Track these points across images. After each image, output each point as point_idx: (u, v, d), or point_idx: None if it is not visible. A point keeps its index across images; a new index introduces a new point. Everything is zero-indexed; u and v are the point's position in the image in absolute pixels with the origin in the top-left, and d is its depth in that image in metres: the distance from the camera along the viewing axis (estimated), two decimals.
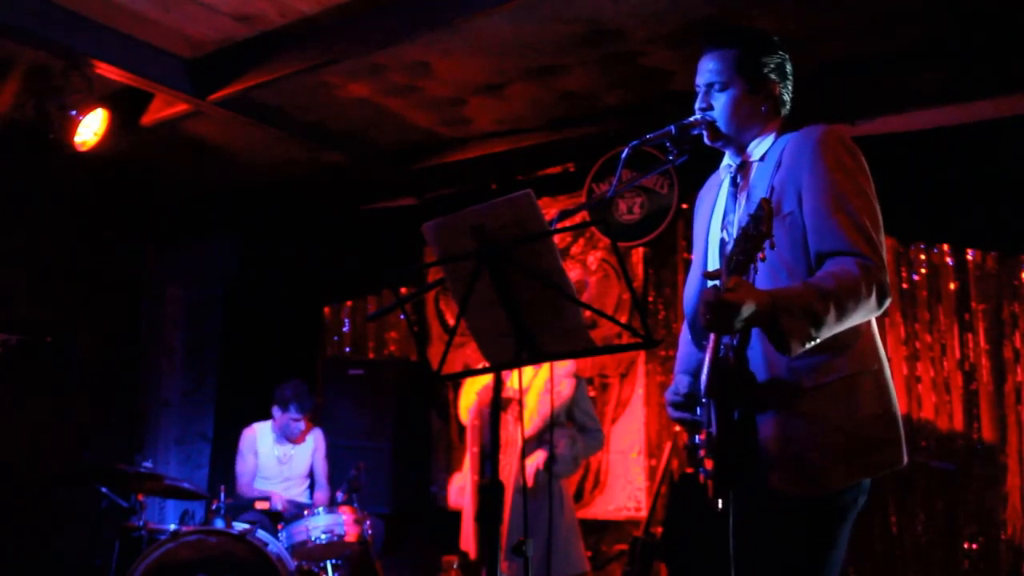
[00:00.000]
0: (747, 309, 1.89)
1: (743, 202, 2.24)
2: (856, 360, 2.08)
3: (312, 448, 5.42)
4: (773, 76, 2.27)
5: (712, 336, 2.09)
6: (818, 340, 1.94)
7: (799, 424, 2.04)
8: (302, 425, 5.30)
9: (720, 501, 2.09)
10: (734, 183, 2.30)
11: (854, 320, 2.00)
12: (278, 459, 5.35)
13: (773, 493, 2.05)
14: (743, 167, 2.29)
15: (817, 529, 2.06)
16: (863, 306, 1.98)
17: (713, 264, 2.30)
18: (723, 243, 2.26)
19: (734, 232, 2.21)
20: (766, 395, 2.08)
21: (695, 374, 2.30)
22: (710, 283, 2.03)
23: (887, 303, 2.04)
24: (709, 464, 2.10)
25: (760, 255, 1.89)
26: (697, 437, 2.21)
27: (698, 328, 2.32)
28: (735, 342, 2.13)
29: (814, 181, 2.09)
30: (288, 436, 5.32)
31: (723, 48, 2.26)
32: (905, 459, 2.09)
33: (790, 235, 2.09)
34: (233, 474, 5.41)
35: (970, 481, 4.27)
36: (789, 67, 2.32)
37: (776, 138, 2.25)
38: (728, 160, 2.35)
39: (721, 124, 2.24)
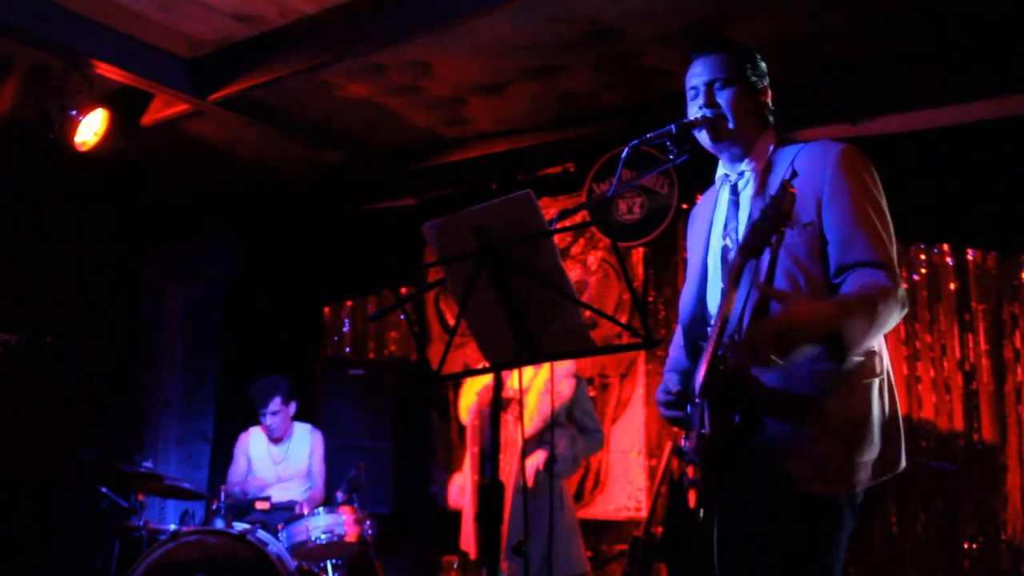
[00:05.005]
0: (808, 329, 1.88)
1: (754, 206, 2.23)
2: (870, 367, 2.11)
3: (308, 450, 5.41)
4: (765, 82, 2.32)
5: (713, 336, 2.09)
6: (864, 348, 1.99)
7: (817, 426, 2.06)
8: (274, 421, 5.25)
9: (702, 511, 2.10)
10: (733, 191, 2.30)
11: (886, 330, 2.05)
12: (272, 460, 5.35)
13: (780, 492, 2.06)
14: (743, 174, 2.29)
15: (828, 525, 2.08)
16: (894, 317, 2.04)
17: (714, 272, 2.29)
18: (725, 250, 2.26)
19: (739, 237, 2.21)
20: (780, 399, 2.09)
21: (685, 373, 2.31)
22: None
23: (904, 312, 2.10)
24: (692, 472, 2.10)
25: (778, 237, 1.87)
26: (684, 443, 2.21)
27: (694, 333, 2.32)
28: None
29: (838, 195, 2.12)
30: (269, 435, 5.31)
31: (720, 52, 2.29)
32: (903, 464, 2.14)
33: (808, 244, 2.12)
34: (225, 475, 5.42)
35: (970, 481, 4.27)
36: (769, 79, 2.37)
37: (775, 147, 2.26)
38: (724, 169, 2.35)
39: (728, 120, 2.24)
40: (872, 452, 2.08)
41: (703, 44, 2.32)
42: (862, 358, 2.09)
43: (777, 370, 2.09)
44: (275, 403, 5.23)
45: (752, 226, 1.90)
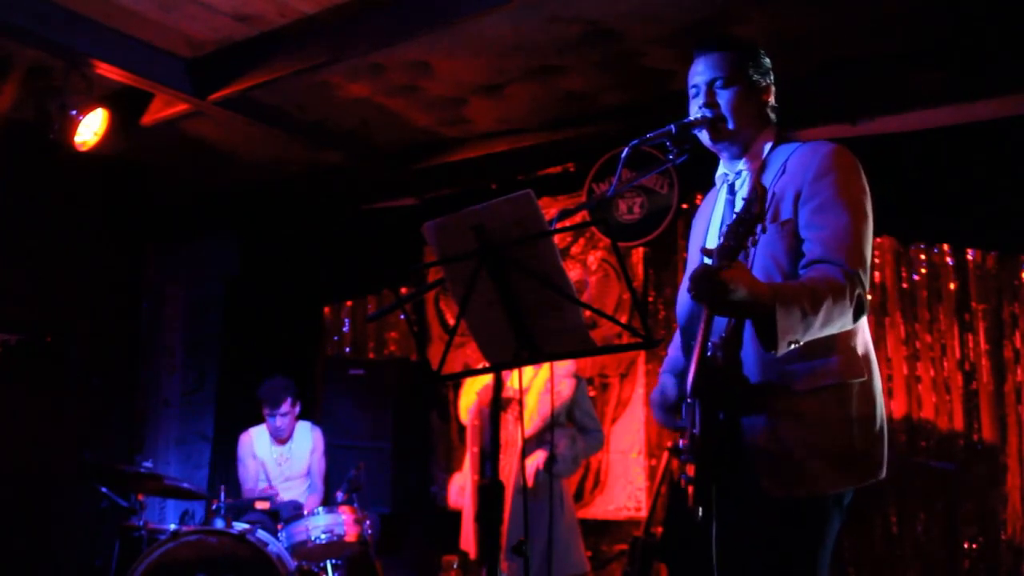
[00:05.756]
0: (740, 291, 1.86)
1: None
2: (847, 368, 2.09)
3: (310, 448, 5.42)
4: (768, 80, 2.31)
5: (699, 336, 2.09)
6: (800, 343, 1.94)
7: (791, 427, 2.05)
8: (283, 422, 5.29)
9: (700, 509, 2.09)
10: (730, 191, 2.31)
11: (832, 329, 2.00)
12: (276, 460, 5.36)
13: (763, 494, 2.06)
14: (740, 173, 2.29)
15: (807, 530, 2.07)
16: (844, 316, 1.99)
17: None
18: None
19: None
20: (757, 398, 2.08)
21: (680, 375, 2.31)
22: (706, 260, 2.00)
23: (862, 318, 2.06)
24: (690, 470, 2.10)
25: (752, 239, 1.87)
26: (681, 442, 2.22)
27: (691, 332, 2.32)
28: (722, 340, 2.12)
29: (815, 192, 2.10)
30: (276, 436, 5.33)
31: (723, 50, 2.28)
32: (883, 473, 2.10)
33: (786, 242, 2.11)
34: (236, 480, 5.42)
35: (970, 481, 4.27)
36: (773, 78, 2.35)
37: (774, 146, 2.26)
38: (723, 168, 2.35)
39: (728, 120, 2.24)
40: (847, 456, 2.05)
41: (706, 42, 2.31)
42: (839, 357, 2.07)
43: (758, 370, 2.09)
44: (286, 405, 5.28)
45: (729, 229, 1.90)
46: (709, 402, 2.08)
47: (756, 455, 2.06)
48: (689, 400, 2.12)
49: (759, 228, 1.86)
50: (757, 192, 1.85)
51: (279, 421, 5.27)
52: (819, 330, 1.95)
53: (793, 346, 1.92)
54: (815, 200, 2.10)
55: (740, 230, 1.87)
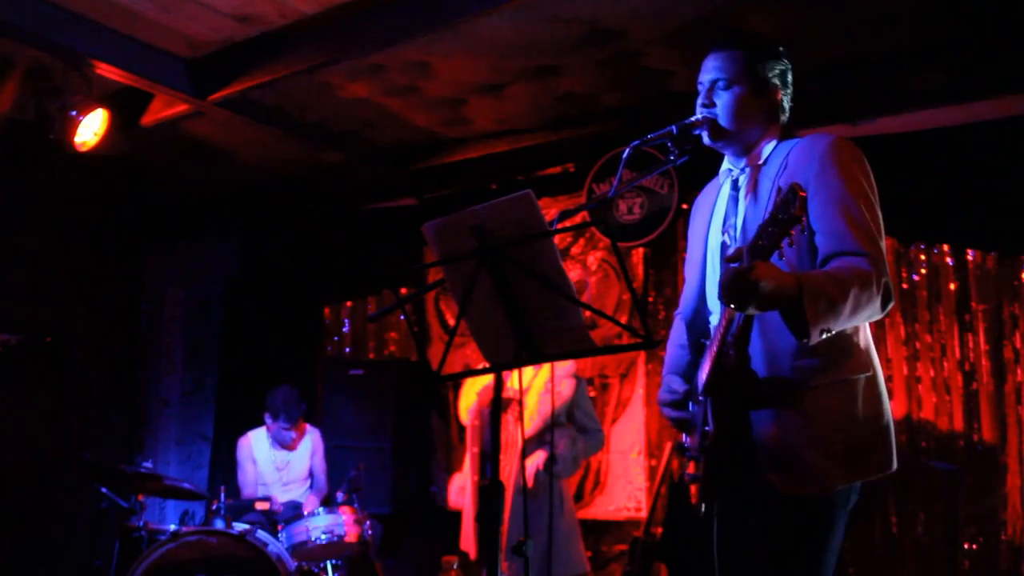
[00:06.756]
0: (768, 287, 1.85)
1: (748, 204, 2.23)
2: (854, 364, 2.09)
3: (310, 450, 5.42)
4: (776, 82, 2.28)
5: (718, 334, 2.09)
6: (832, 332, 1.93)
7: (799, 423, 2.05)
8: (293, 434, 5.33)
9: (704, 506, 2.09)
10: (734, 187, 2.30)
11: (862, 318, 2.00)
12: (275, 465, 5.35)
13: (772, 492, 2.06)
14: (745, 170, 2.29)
15: (814, 527, 2.08)
16: (873, 303, 1.99)
17: (712, 267, 2.30)
18: (724, 246, 2.25)
19: (737, 234, 2.22)
20: (766, 393, 2.09)
21: (686, 375, 2.31)
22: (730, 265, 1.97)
23: (890, 306, 2.06)
24: (692, 468, 2.10)
25: (788, 240, 1.84)
26: (686, 439, 2.22)
27: (698, 329, 2.32)
28: (734, 338, 2.12)
29: (823, 185, 2.10)
30: (281, 443, 5.34)
31: (731, 49, 2.26)
32: (895, 465, 2.12)
33: (796, 238, 2.10)
34: (236, 485, 5.42)
35: (970, 481, 4.27)
36: (791, 77, 2.33)
37: (778, 144, 2.26)
38: (727, 164, 2.35)
39: (723, 121, 2.23)
40: (855, 452, 2.06)
41: (720, 39, 2.29)
42: (845, 353, 2.07)
43: (767, 367, 2.09)
44: (300, 421, 5.34)
45: (760, 228, 1.87)
46: (722, 400, 2.08)
47: (766, 452, 2.07)
48: (701, 398, 2.12)
49: (797, 229, 1.82)
50: (796, 193, 1.80)
51: (294, 433, 5.33)
52: (848, 318, 1.95)
53: (825, 335, 1.91)
54: (824, 193, 2.09)
55: (776, 230, 1.83)
